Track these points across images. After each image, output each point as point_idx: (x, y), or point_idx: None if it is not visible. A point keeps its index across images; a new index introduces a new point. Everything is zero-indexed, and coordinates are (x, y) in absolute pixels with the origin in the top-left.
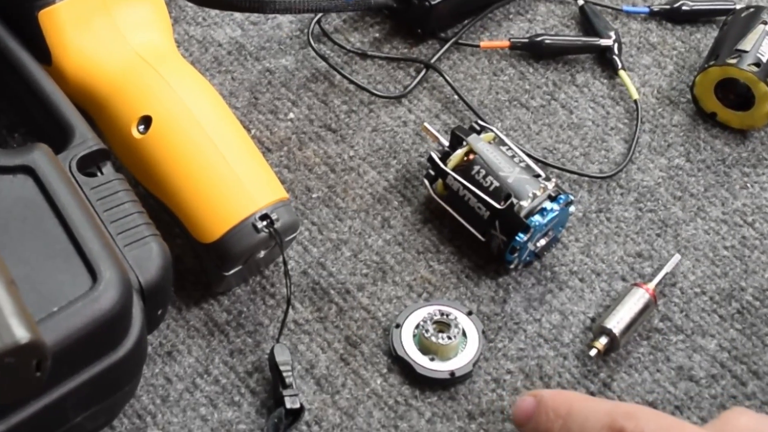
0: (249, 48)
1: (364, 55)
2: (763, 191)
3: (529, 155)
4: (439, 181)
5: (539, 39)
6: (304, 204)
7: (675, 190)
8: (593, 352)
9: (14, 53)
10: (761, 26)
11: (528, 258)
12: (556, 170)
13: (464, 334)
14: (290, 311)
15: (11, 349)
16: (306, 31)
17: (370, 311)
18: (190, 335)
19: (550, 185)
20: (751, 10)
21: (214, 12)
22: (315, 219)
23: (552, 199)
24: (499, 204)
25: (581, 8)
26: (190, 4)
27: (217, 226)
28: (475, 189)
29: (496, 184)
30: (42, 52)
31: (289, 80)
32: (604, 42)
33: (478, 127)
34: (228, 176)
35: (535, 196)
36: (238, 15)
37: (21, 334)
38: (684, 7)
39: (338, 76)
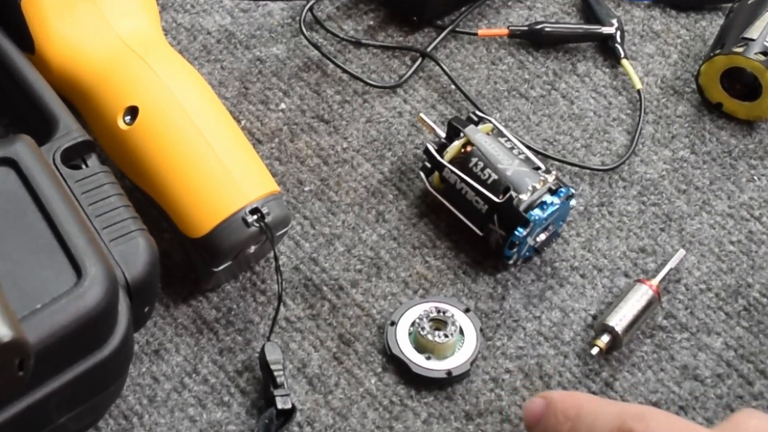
0: (239, 36)
1: (358, 44)
2: None
3: (528, 147)
4: (436, 173)
5: (539, 27)
6: (296, 197)
7: (679, 183)
8: (595, 351)
9: None
10: None
11: (527, 253)
12: (556, 162)
13: (461, 332)
14: (281, 308)
15: None
16: (298, 18)
17: (364, 308)
18: (178, 333)
19: (551, 178)
20: None
21: None
22: (307, 213)
23: (552, 192)
24: (498, 197)
25: None
26: None
27: (206, 221)
28: (473, 182)
29: (494, 176)
30: (25, 40)
31: (280, 69)
32: (606, 30)
33: (475, 118)
34: (217, 169)
35: (534, 189)
36: (227, 1)
37: (3, 332)
38: None
39: (331, 66)
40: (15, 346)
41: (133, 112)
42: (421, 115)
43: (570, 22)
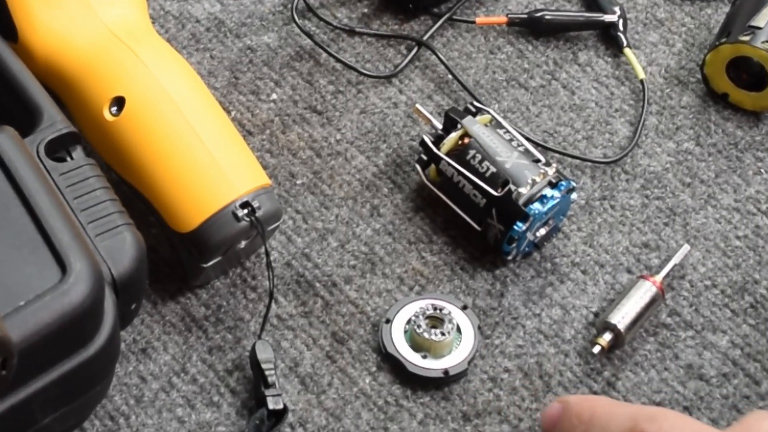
0: (229, 24)
1: (351, 32)
2: None
3: (528, 139)
4: (432, 166)
5: (539, 14)
6: (288, 191)
7: (684, 176)
8: (596, 350)
9: None
10: None
11: (527, 249)
12: (557, 155)
13: (459, 329)
14: (273, 305)
15: None
16: (290, 5)
17: (358, 305)
18: (166, 331)
19: (551, 171)
20: None
21: None
22: (299, 207)
23: (552, 185)
24: (496, 191)
25: None
26: None
27: (195, 215)
28: (471, 175)
29: (492, 169)
30: (7, 28)
31: (271, 59)
32: (608, 18)
33: (473, 109)
34: (206, 161)
35: (534, 182)
36: None
37: None
38: None
39: (324, 55)
40: None
41: (119, 102)
42: (417, 105)
43: (571, 9)
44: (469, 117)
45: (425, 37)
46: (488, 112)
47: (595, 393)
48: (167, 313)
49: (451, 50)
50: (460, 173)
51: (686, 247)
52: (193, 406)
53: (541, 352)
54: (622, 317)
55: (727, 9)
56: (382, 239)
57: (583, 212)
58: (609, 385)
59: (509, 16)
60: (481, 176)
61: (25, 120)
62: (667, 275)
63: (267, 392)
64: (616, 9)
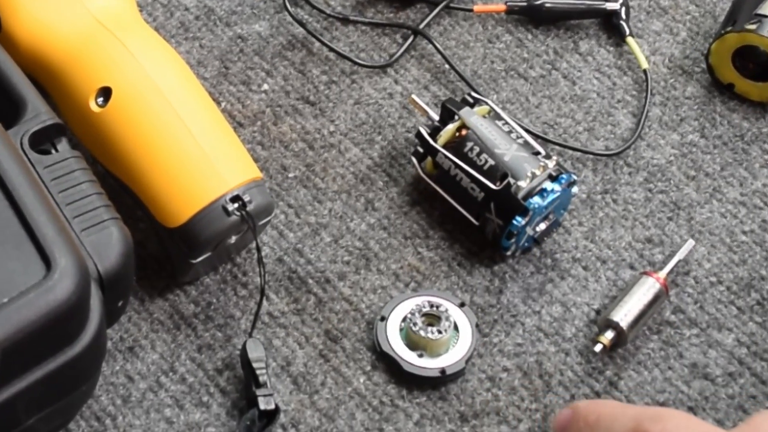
0: (219, 12)
1: (345, 20)
2: None
3: (527, 131)
4: (429, 159)
5: (539, 2)
6: (280, 184)
7: (688, 168)
8: (598, 348)
9: None
10: None
11: (526, 244)
12: (557, 147)
13: (456, 327)
14: (264, 302)
15: None
16: None
17: (352, 303)
18: (154, 329)
19: (551, 164)
20: None
21: None
22: (291, 201)
23: (553, 178)
24: (495, 184)
25: None
26: None
27: (184, 209)
28: (468, 168)
29: (491, 162)
30: None
31: (263, 48)
32: (610, 5)
33: (471, 100)
34: (195, 154)
35: (534, 175)
36: None
37: None
38: None
39: (317, 44)
40: None
41: (105, 93)
42: (413, 96)
43: None
44: (467, 108)
45: (421, 26)
46: (486, 103)
47: (596, 393)
48: (155, 310)
49: (448, 39)
50: (457, 166)
51: (691, 243)
52: (182, 407)
53: (541, 351)
54: (624, 315)
55: None
56: (377, 234)
57: (585, 206)
58: (611, 384)
59: (508, 4)
60: (479, 169)
61: (9, 111)
62: (671, 271)
63: (258, 392)
64: None
